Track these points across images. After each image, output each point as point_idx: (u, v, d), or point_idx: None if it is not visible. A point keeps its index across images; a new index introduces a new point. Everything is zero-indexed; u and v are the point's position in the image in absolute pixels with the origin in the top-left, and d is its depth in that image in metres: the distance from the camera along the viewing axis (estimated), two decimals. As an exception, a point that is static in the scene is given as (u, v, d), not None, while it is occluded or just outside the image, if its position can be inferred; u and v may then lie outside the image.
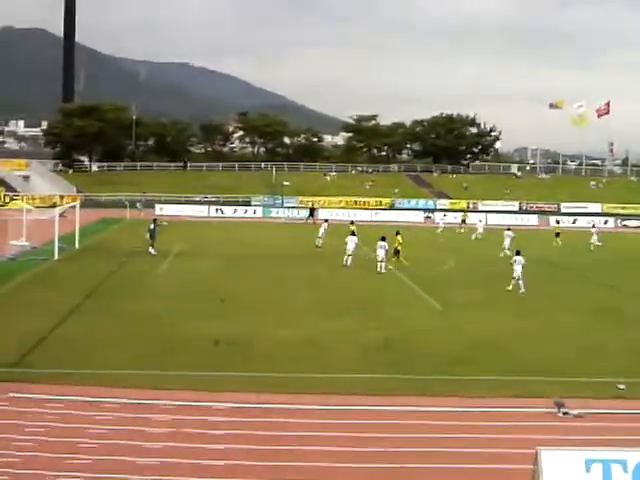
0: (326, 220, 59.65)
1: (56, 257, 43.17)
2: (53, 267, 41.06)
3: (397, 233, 47.10)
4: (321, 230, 55.95)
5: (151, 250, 47.22)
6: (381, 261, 42.03)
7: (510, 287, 37.05)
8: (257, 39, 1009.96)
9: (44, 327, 26.03)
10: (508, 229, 55.43)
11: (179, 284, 36.98)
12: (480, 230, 66.23)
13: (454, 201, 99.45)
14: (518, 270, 37.16)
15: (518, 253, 38.10)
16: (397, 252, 45.72)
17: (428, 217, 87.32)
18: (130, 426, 16.93)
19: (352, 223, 52.87)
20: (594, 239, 60.18)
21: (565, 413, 18.61)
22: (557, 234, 62.95)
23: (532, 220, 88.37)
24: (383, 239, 42.94)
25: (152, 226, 48.90)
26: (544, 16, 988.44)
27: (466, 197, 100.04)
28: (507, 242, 52.80)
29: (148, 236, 48.45)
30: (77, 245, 49.27)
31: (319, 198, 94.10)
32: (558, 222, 69.19)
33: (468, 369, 22.45)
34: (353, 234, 46.01)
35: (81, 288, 34.21)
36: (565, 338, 27.23)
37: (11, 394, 18.79)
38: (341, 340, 25.81)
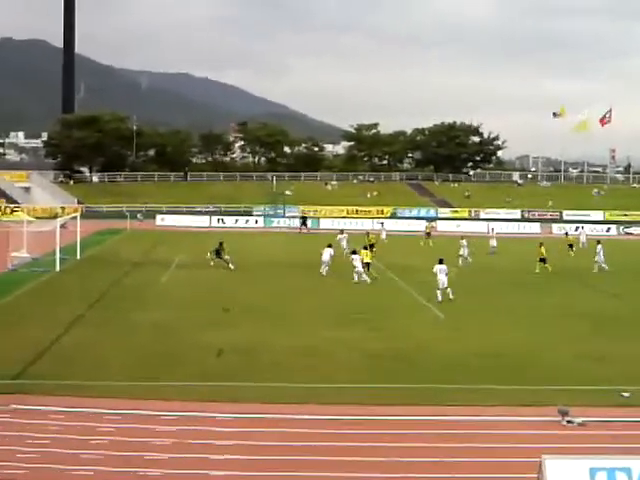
0: (342, 231, 59.01)
1: (58, 268, 43.16)
2: (55, 278, 41.06)
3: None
4: (344, 244, 54.90)
5: (230, 265, 46.44)
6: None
7: (441, 298, 35.64)
8: (258, 49, 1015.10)
9: (46, 338, 26.02)
10: (462, 237, 53.39)
11: (182, 294, 36.97)
12: (583, 239, 65.02)
13: (456, 209, 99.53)
14: (443, 279, 35.82)
15: (441, 262, 36.48)
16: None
17: (432, 226, 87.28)
18: (133, 437, 16.89)
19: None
20: (492, 243, 59.37)
21: (569, 421, 18.55)
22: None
23: (534, 228, 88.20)
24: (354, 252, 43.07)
25: (217, 248, 47.97)
26: (544, 25, 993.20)
27: (468, 205, 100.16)
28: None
29: (214, 255, 47.55)
30: (78, 256, 49.29)
31: (320, 207, 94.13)
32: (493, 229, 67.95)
33: (472, 378, 22.40)
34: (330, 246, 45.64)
35: (83, 299, 34.18)
36: (568, 345, 27.13)
37: (13, 406, 18.74)
38: (345, 349, 25.76)
